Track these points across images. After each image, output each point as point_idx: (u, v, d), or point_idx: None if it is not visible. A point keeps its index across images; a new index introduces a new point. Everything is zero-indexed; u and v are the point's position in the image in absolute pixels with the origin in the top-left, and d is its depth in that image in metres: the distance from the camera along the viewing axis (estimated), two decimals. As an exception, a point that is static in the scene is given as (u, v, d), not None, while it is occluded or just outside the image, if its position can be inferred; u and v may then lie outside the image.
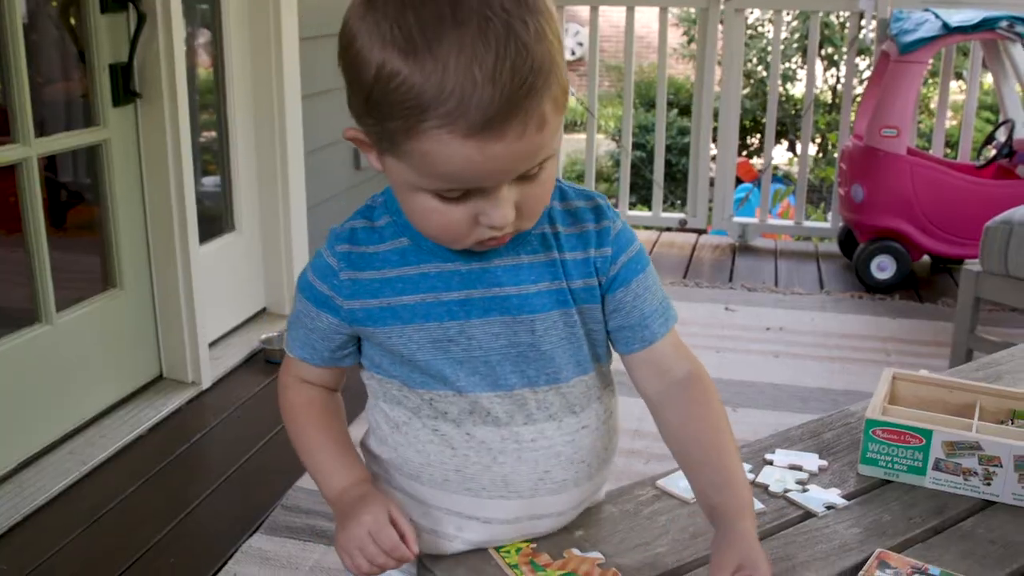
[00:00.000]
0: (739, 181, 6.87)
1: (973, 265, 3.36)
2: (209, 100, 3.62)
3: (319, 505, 2.49)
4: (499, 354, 1.04)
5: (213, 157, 3.66)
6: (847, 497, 1.27)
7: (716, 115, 5.33)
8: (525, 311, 1.04)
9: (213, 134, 3.64)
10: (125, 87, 2.93)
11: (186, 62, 3.10)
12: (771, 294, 4.38)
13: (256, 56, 3.64)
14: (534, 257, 1.05)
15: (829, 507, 1.24)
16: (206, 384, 3.23)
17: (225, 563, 2.27)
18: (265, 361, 3.45)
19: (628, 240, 1.10)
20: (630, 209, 5.63)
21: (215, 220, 3.61)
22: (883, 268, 4.42)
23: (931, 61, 4.59)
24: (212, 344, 3.44)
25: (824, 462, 1.35)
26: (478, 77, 0.84)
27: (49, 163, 2.92)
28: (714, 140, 5.48)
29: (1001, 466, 1.26)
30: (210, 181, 3.68)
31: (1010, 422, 1.41)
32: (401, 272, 1.04)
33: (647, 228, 5.60)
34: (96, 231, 3.02)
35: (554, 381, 1.07)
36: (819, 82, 8.99)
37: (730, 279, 4.64)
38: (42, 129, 2.74)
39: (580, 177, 5.48)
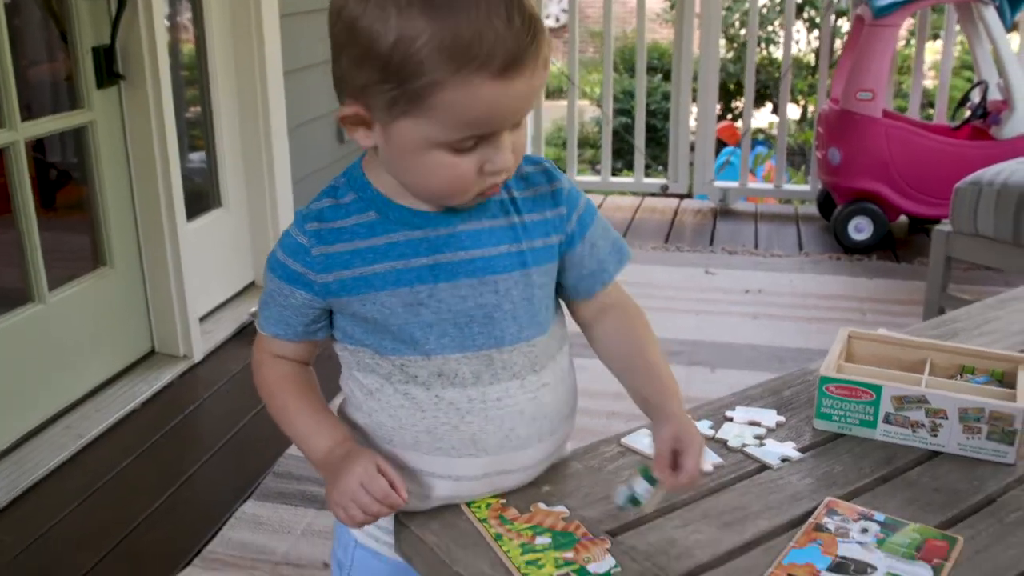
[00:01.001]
0: (723, 144, 6.94)
1: (944, 225, 3.44)
2: (193, 77, 3.67)
3: (309, 472, 2.57)
4: (466, 316, 1.12)
5: (199, 133, 3.71)
6: (801, 450, 1.35)
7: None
8: (489, 272, 1.11)
9: (197, 110, 3.69)
10: (108, 69, 2.98)
11: (168, 42, 3.15)
12: (751, 257, 4.46)
13: (238, 33, 3.68)
14: (494, 222, 1.13)
15: (784, 460, 1.32)
16: (198, 357, 3.31)
17: (220, 529, 2.35)
18: (255, 333, 3.51)
19: (577, 196, 1.20)
20: (613, 175, 5.68)
21: (202, 197, 3.67)
22: (860, 229, 4.49)
23: (911, 20, 4.64)
24: (203, 318, 3.51)
25: (782, 418, 1.43)
26: (497, 23, 0.96)
27: (37, 145, 2.98)
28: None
29: (947, 418, 1.34)
30: (196, 157, 3.74)
31: (959, 377, 1.48)
32: (371, 243, 1.11)
33: (632, 194, 5.66)
34: (85, 210, 3.09)
35: (517, 340, 1.14)
36: (802, 45, 9.00)
37: (711, 243, 4.72)
38: (28, 112, 2.80)
39: (564, 144, 5.53)
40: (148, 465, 2.67)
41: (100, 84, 2.99)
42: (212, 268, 3.60)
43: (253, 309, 3.60)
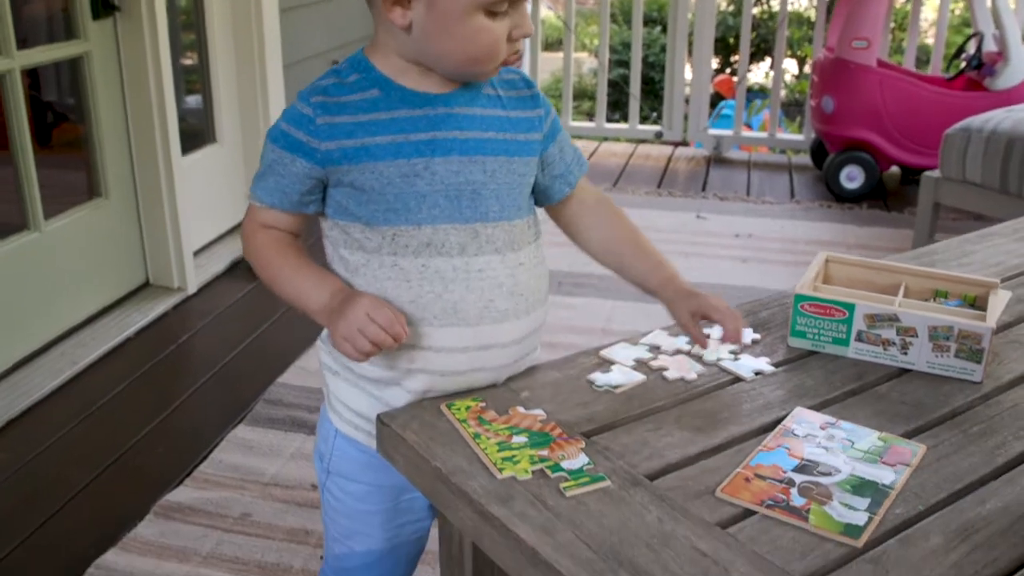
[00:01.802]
0: (722, 98, 6.94)
1: (934, 172, 3.47)
2: (189, 21, 3.67)
3: (299, 398, 2.62)
4: (456, 190, 1.20)
5: (195, 75, 3.72)
6: (775, 365, 1.39)
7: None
8: (479, 152, 1.21)
9: (195, 52, 3.69)
10: (103, 0, 2.99)
11: (164, -27, 3.15)
12: (742, 203, 4.49)
13: (234, -32, 3.68)
14: (486, 111, 1.23)
15: (757, 373, 1.36)
16: (192, 290, 3.35)
17: (211, 451, 2.40)
18: (249, 268, 3.54)
19: (549, 104, 1.33)
20: (607, 123, 5.69)
21: (197, 133, 3.69)
22: (852, 178, 4.52)
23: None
24: (197, 252, 3.54)
25: (757, 336, 1.47)
26: None
27: (33, 82, 2.99)
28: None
29: (917, 336, 1.38)
30: (193, 100, 3.75)
31: (932, 301, 1.52)
32: (373, 117, 1.19)
33: (627, 141, 5.67)
34: (81, 149, 3.11)
35: (500, 218, 1.24)
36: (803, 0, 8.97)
37: (703, 189, 4.74)
38: (24, 43, 2.81)
39: (560, 96, 5.55)
40: (142, 391, 2.72)
41: (96, 15, 3.00)
42: (206, 203, 3.63)
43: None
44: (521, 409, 1.23)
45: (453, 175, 1.20)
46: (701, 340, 1.34)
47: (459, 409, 1.22)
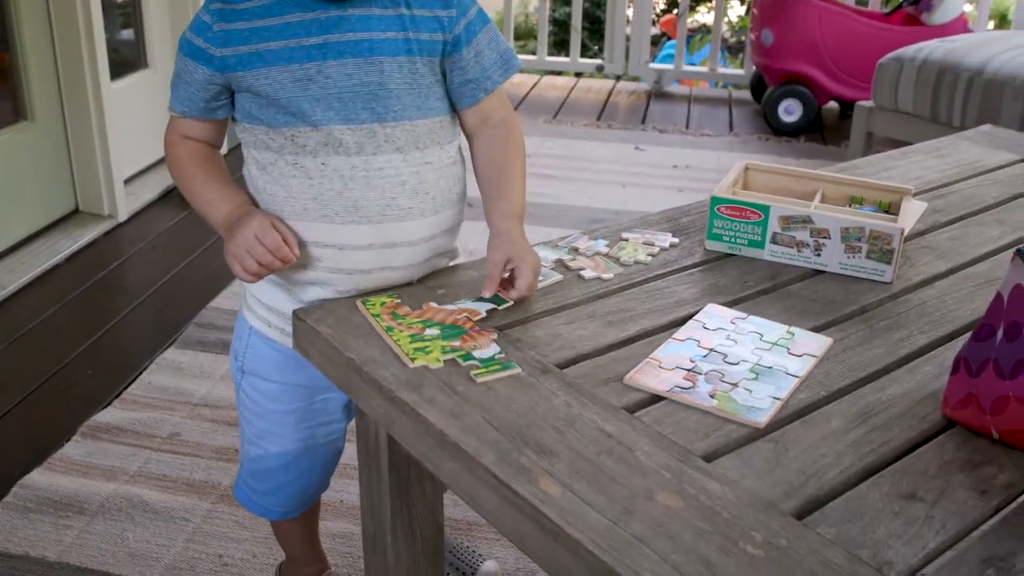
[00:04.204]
0: (668, 38, 6.92)
1: (867, 102, 3.50)
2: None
3: (231, 322, 2.58)
4: (351, 92, 1.20)
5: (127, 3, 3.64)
6: (692, 267, 1.40)
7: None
8: (375, 53, 1.20)
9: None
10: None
11: None
12: (681, 135, 4.51)
13: None
14: (384, 11, 1.21)
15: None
16: (123, 217, 3.30)
17: (140, 373, 2.39)
18: (182, 197, 3.50)
19: (469, 4, 1.28)
20: (548, 56, 5.66)
21: (127, 58, 3.61)
22: (790, 111, 4.55)
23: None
24: (129, 180, 3.49)
25: (676, 239, 1.49)
26: None
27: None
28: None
29: (830, 238, 1.40)
30: (123, 25, 3.67)
31: (848, 206, 1.54)
32: (267, 22, 1.19)
33: (569, 75, 5.65)
34: (7, 77, 3.02)
35: (399, 119, 1.22)
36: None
37: (643, 122, 4.75)
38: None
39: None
40: (71, 316, 2.69)
41: (18, -67, 2.91)
42: (138, 130, 3.56)
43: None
44: (434, 304, 1.23)
45: (347, 78, 1.19)
46: (493, 285, 1.23)
47: (374, 305, 1.22)
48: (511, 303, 1.24)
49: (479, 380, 1.08)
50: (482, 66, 1.29)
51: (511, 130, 1.35)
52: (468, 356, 1.12)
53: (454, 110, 1.32)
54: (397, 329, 1.17)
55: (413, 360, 1.11)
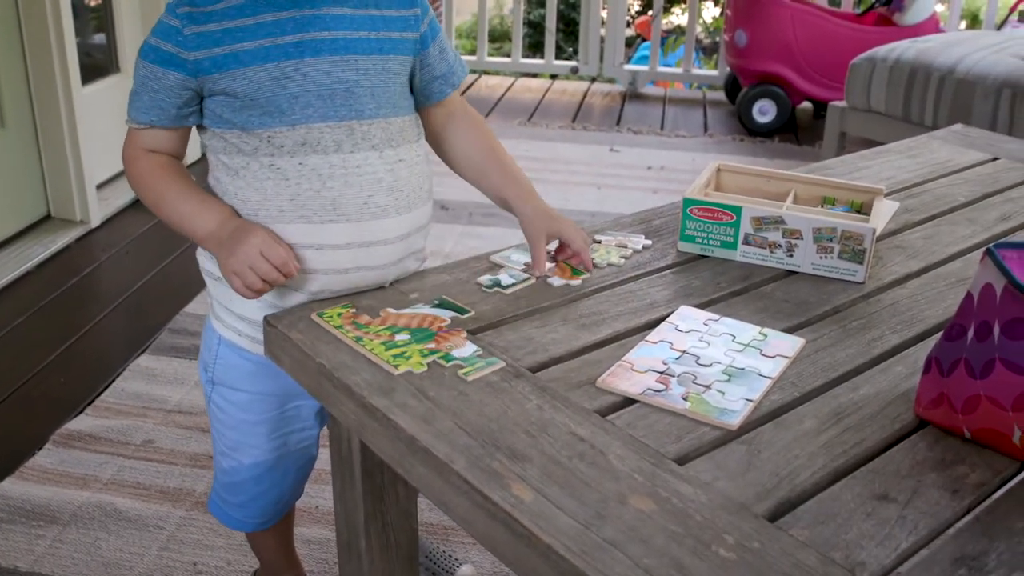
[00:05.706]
0: (644, 40, 6.93)
1: (840, 102, 3.51)
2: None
3: (206, 327, 2.58)
4: (329, 89, 1.20)
5: (97, 7, 3.61)
6: (664, 268, 1.40)
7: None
8: (350, 51, 1.21)
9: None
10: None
11: None
12: (656, 137, 4.52)
13: None
14: (356, 10, 1.22)
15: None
16: (95, 223, 3.27)
17: (113, 380, 2.37)
18: (155, 202, 3.48)
19: (428, 4, 1.32)
20: (523, 57, 5.66)
21: (99, 63, 3.58)
22: (764, 112, 4.56)
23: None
24: (101, 185, 3.46)
25: (649, 241, 1.48)
26: None
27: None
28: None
29: (802, 238, 1.40)
30: (95, 30, 3.64)
31: (820, 207, 1.55)
32: (240, 23, 1.18)
33: (544, 76, 5.65)
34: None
35: (375, 116, 1.23)
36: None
37: (618, 123, 4.75)
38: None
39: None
40: (43, 322, 2.66)
41: (-14, -64, 2.89)
42: (110, 135, 3.52)
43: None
44: (392, 310, 1.23)
45: (325, 75, 1.19)
46: (541, 263, 1.33)
47: (331, 317, 1.21)
48: (472, 312, 1.23)
49: (470, 378, 1.08)
50: (447, 62, 1.34)
51: (478, 117, 1.41)
52: (449, 356, 1.12)
53: (417, 109, 1.34)
54: (366, 338, 1.16)
55: (397, 367, 1.10)
